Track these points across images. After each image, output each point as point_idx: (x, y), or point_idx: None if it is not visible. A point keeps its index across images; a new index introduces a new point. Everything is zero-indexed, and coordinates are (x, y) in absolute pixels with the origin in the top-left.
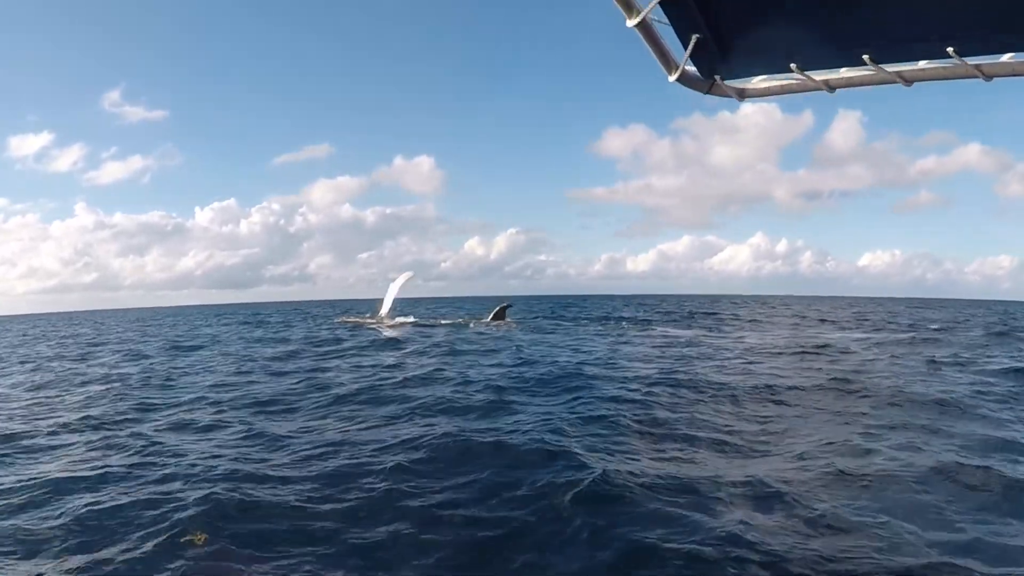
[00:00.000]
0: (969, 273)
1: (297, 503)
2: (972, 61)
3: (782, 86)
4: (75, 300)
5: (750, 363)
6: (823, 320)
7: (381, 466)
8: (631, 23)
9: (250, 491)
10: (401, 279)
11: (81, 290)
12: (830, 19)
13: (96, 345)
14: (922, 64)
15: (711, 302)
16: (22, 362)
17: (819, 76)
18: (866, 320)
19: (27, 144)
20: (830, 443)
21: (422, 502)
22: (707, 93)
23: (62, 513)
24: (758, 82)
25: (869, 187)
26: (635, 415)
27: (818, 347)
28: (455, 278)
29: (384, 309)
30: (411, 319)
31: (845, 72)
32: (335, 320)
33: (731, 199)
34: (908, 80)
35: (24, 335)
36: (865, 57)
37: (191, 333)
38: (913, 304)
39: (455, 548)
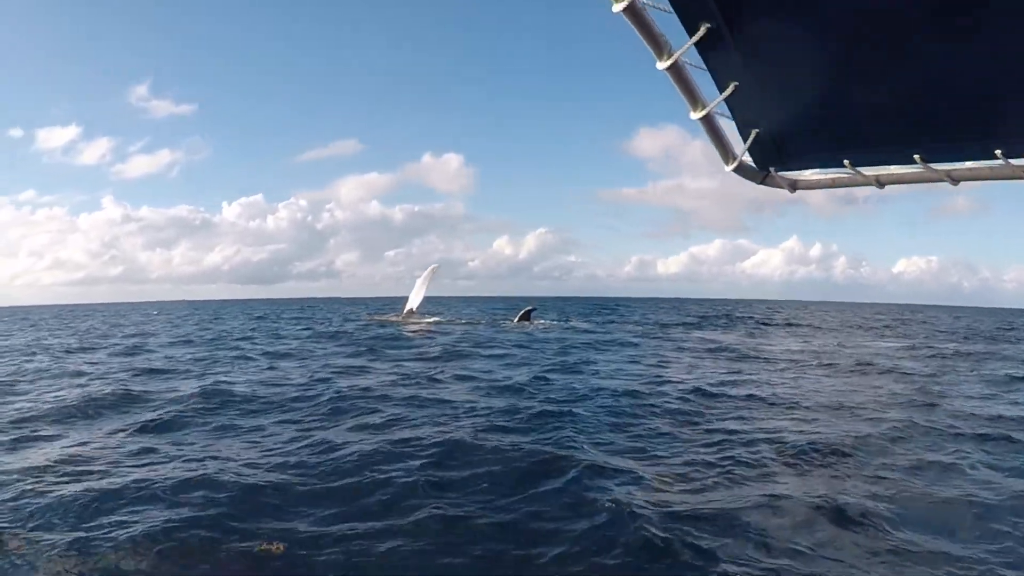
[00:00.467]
0: (1007, 281)
1: (325, 506)
2: (1016, 163)
3: (833, 180)
4: (102, 292)
5: (802, 376)
6: (865, 328)
7: (411, 471)
8: (695, 116)
9: (272, 494)
10: (427, 273)
11: (108, 283)
12: (884, 121)
13: (113, 337)
14: (969, 164)
15: (746, 306)
16: (32, 352)
17: (870, 172)
18: (912, 329)
19: (54, 137)
20: (916, 464)
21: (455, 512)
22: (760, 183)
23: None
24: (810, 175)
25: (906, 191)
26: (691, 424)
27: (872, 356)
28: (483, 277)
29: (412, 304)
30: (436, 318)
31: (895, 169)
32: (363, 316)
33: (764, 202)
34: (955, 179)
35: (37, 327)
36: (916, 156)
37: (218, 328)
38: (954, 312)
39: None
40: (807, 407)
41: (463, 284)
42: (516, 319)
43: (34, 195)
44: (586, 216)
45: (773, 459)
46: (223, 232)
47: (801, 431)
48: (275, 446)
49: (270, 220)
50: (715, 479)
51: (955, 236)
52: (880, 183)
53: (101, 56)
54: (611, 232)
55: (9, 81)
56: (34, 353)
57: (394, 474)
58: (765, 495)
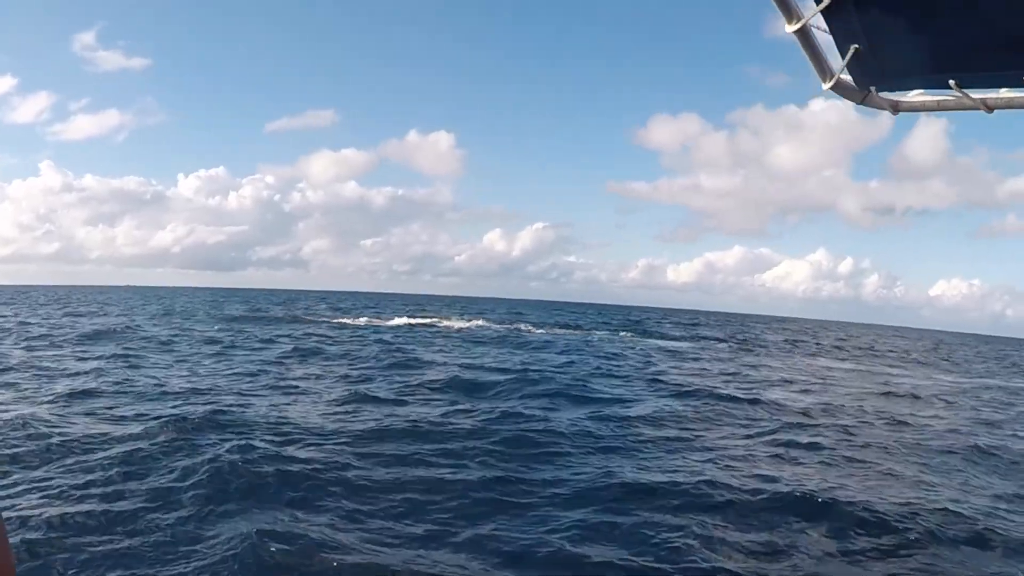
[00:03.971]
0: None
1: None
2: None
3: (938, 102)
4: (32, 272)
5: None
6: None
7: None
8: (790, 29)
9: None
10: None
11: (40, 261)
12: (992, 40)
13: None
14: None
15: (790, 327)
16: None
17: (977, 95)
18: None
19: None
20: None
21: None
22: (861, 103)
23: None
24: (914, 96)
25: (949, 207)
26: None
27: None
28: (469, 274)
29: None
30: None
31: (1005, 92)
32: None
33: (791, 207)
34: None
35: None
36: None
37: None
38: (1010, 344)
39: None
40: None
41: (446, 281)
42: None
43: None
44: (590, 212)
45: None
46: (177, 209)
47: None
48: None
49: (232, 198)
50: None
51: (1003, 260)
52: (988, 107)
53: None
54: (617, 230)
55: None
56: None
57: None
58: None
